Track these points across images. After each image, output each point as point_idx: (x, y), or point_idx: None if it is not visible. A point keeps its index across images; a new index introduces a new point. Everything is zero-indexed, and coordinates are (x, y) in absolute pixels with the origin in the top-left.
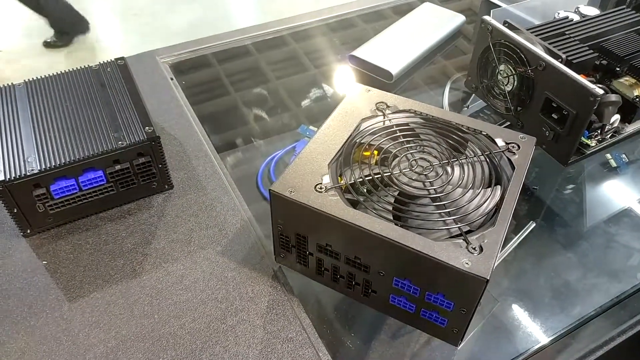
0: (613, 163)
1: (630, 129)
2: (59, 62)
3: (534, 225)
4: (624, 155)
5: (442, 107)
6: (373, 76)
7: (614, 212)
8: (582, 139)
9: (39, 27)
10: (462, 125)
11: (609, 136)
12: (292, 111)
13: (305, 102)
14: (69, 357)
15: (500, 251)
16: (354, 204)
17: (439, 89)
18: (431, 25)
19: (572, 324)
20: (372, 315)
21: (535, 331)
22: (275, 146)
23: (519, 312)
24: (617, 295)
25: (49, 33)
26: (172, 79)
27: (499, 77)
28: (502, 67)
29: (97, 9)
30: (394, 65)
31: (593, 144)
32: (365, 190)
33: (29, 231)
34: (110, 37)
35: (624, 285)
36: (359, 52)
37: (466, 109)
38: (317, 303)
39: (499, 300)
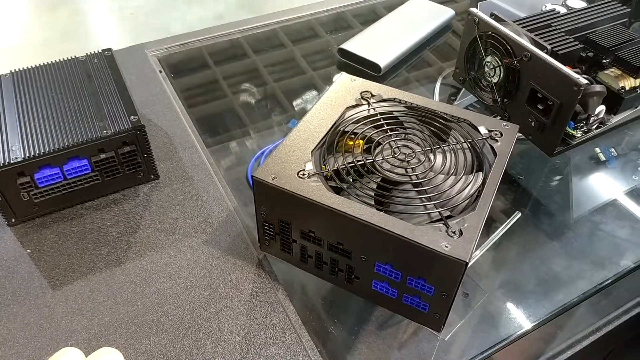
0: (602, 157)
1: (615, 120)
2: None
3: (519, 215)
4: (612, 149)
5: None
6: (362, 69)
7: (600, 202)
8: (568, 129)
9: (38, 26)
10: (446, 114)
11: (594, 127)
12: (282, 105)
13: (295, 96)
14: (51, 343)
15: (480, 235)
16: (337, 191)
17: (430, 84)
18: (421, 19)
19: (556, 310)
20: (358, 305)
21: (519, 317)
22: (265, 140)
23: (504, 301)
24: (600, 283)
25: (47, 32)
26: (160, 71)
27: (486, 68)
28: (488, 58)
29: (92, 8)
30: (383, 58)
31: (579, 135)
32: (348, 177)
33: (13, 220)
34: (106, 37)
35: (607, 272)
36: (348, 45)
37: (454, 100)
38: (301, 291)
39: (487, 292)
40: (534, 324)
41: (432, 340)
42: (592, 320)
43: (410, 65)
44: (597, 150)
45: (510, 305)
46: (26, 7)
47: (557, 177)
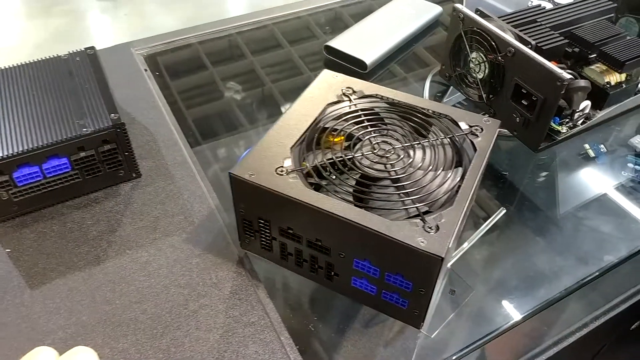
0: (591, 153)
1: (601, 115)
2: None
3: (504, 211)
4: (602, 145)
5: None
6: (348, 66)
7: (586, 198)
8: (553, 125)
9: (32, 27)
10: (427, 110)
11: (579, 122)
12: (269, 103)
13: (281, 94)
14: (27, 342)
15: (465, 231)
16: (317, 188)
17: (418, 80)
18: (408, 16)
19: (540, 304)
20: (343, 303)
21: (506, 313)
22: (251, 139)
23: (491, 297)
24: (584, 278)
25: (40, 33)
26: (146, 70)
27: (471, 65)
28: (473, 54)
29: (87, 8)
30: (369, 55)
31: (564, 131)
32: (327, 173)
33: None
34: (101, 38)
35: (594, 267)
36: (334, 43)
37: (440, 97)
38: (283, 289)
39: (474, 289)
40: (520, 318)
41: (419, 337)
42: (581, 316)
43: (398, 62)
44: (587, 146)
45: (497, 301)
46: (19, 8)
47: (544, 173)
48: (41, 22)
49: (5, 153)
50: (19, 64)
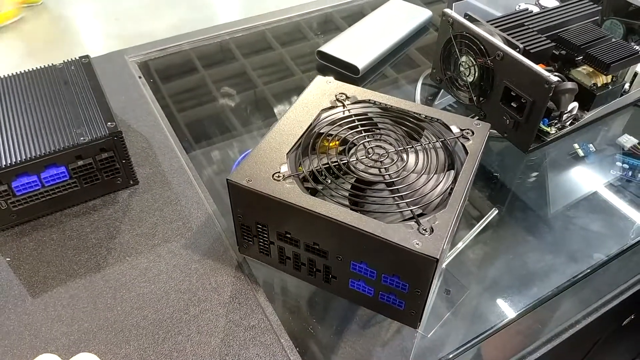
0: (580, 152)
1: (588, 116)
2: None
3: (496, 212)
4: (590, 145)
5: (415, 101)
6: (341, 71)
7: (576, 197)
8: (542, 126)
9: (21, 35)
10: (419, 114)
11: (568, 124)
12: (264, 109)
13: (275, 99)
14: (30, 350)
15: (458, 232)
16: (313, 193)
17: (410, 84)
18: (398, 20)
19: (531, 303)
20: (341, 305)
21: (501, 311)
22: (246, 144)
23: (485, 296)
24: (576, 275)
25: (31, 40)
26: (140, 77)
27: (461, 68)
28: (463, 58)
29: (78, 13)
30: (361, 59)
31: (553, 132)
32: (323, 178)
33: None
34: (91, 43)
35: (586, 265)
36: (326, 48)
37: (431, 100)
38: (281, 292)
39: (468, 289)
40: (514, 316)
41: (416, 337)
42: (574, 313)
43: (390, 66)
44: (576, 145)
45: (491, 300)
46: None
47: (534, 174)
48: (31, 28)
49: (4, 163)
50: (15, 73)
